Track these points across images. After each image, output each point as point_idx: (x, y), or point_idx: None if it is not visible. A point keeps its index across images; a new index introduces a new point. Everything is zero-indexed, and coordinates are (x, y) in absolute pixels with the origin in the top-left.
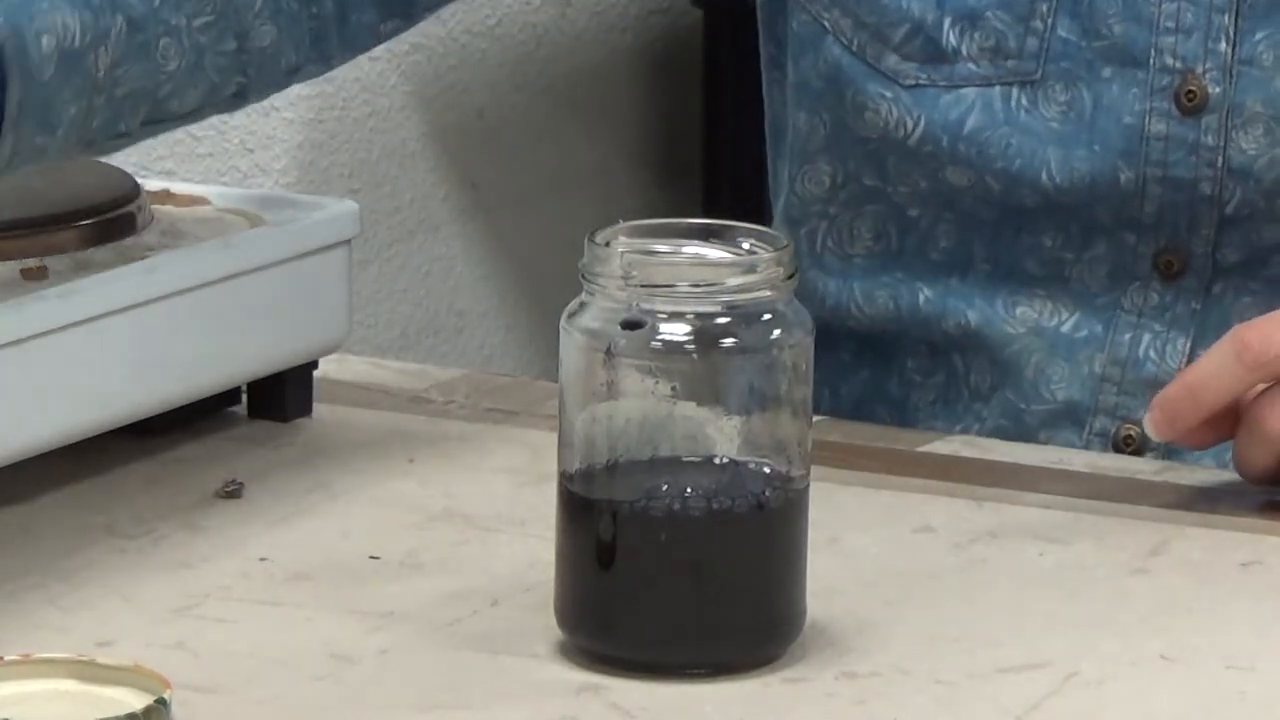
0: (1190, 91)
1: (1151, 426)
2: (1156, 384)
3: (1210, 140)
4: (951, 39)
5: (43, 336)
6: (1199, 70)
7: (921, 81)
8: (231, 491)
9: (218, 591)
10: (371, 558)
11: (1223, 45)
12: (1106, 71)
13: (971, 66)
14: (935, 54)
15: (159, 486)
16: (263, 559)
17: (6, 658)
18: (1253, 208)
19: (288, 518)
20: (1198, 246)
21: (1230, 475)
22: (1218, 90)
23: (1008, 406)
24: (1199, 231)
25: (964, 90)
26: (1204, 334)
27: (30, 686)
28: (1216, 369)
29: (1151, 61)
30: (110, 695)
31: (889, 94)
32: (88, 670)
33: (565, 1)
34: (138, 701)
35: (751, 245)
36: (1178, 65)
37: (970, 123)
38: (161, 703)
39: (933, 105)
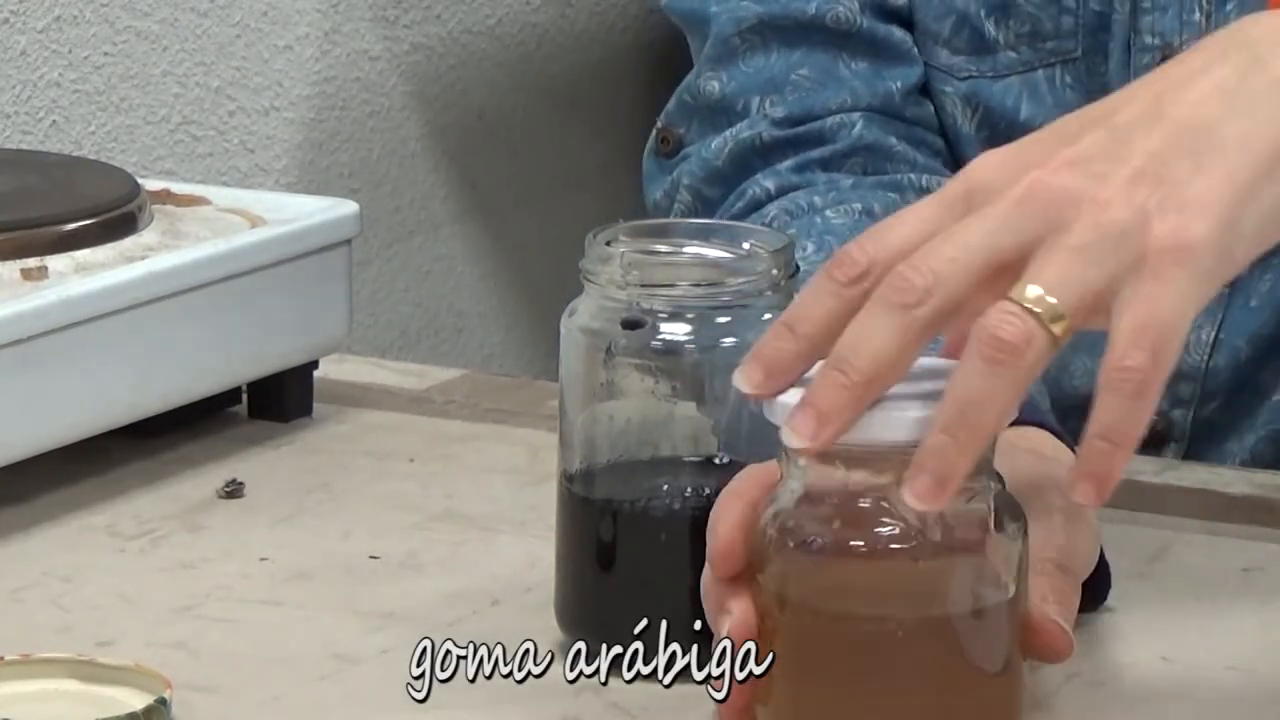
0: None
1: (743, 377)
2: (1179, 375)
3: None
4: (990, 29)
5: (43, 336)
6: (1176, 44)
7: (972, 74)
8: (231, 491)
9: (218, 591)
10: (371, 558)
11: (1197, 16)
12: (1113, 46)
13: (1012, 54)
14: (980, 45)
15: (159, 486)
16: (263, 559)
17: (6, 658)
18: None
19: (288, 518)
20: None
21: (1230, 480)
22: None
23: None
24: None
25: (1010, 79)
26: (1229, 319)
27: (30, 686)
28: (808, 293)
29: (1132, 42)
30: (110, 695)
31: (949, 89)
32: (88, 670)
33: (565, 1)
34: (138, 701)
35: (752, 245)
36: (1156, 42)
37: (1024, 110)
38: (162, 703)
39: (987, 94)
